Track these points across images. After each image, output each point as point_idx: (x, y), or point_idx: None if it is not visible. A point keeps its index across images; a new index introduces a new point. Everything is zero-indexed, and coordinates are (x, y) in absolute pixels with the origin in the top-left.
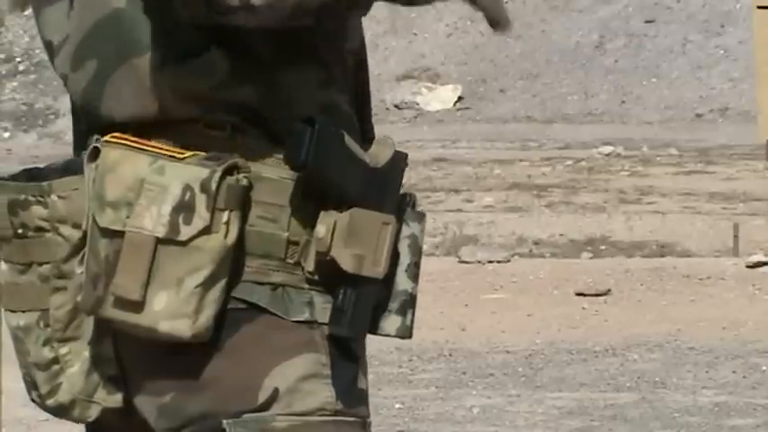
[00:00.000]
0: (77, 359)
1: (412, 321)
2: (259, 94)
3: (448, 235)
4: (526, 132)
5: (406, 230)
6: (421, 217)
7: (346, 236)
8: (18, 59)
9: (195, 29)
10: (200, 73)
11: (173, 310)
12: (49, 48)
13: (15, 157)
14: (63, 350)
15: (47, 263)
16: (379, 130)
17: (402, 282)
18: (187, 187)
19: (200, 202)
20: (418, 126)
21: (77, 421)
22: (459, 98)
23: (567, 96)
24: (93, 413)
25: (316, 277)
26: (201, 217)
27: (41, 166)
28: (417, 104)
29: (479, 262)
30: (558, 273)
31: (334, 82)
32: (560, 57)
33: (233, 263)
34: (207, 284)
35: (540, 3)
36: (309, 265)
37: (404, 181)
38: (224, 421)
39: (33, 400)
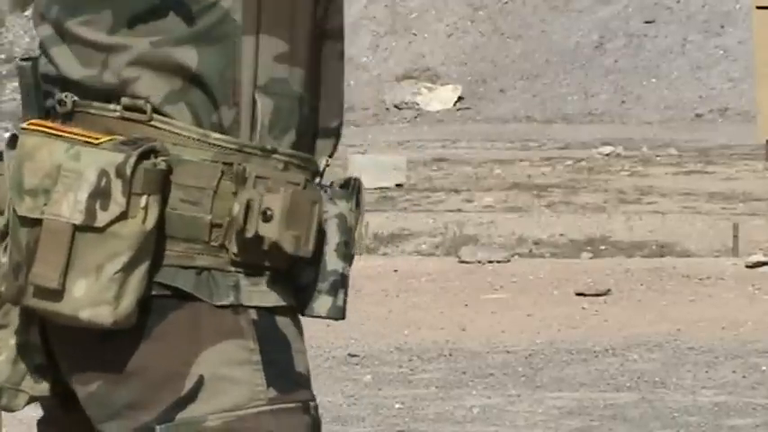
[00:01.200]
0: (5, 348)
1: (344, 302)
2: (210, 55)
3: (448, 235)
4: (526, 132)
5: (333, 209)
6: (349, 196)
7: (288, 216)
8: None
9: None
10: (159, 30)
11: (93, 296)
12: None
13: None
14: None
15: None
16: (379, 130)
17: (332, 261)
18: (103, 173)
19: (116, 187)
20: (418, 126)
21: (6, 410)
22: (460, 98)
23: (567, 96)
24: (21, 402)
25: (240, 259)
26: (118, 202)
27: None
28: (417, 104)
29: (479, 262)
30: (558, 273)
31: (292, 59)
32: (560, 57)
33: (156, 247)
34: (127, 270)
35: (540, 3)
36: (233, 246)
37: (404, 180)
38: (156, 427)
39: None
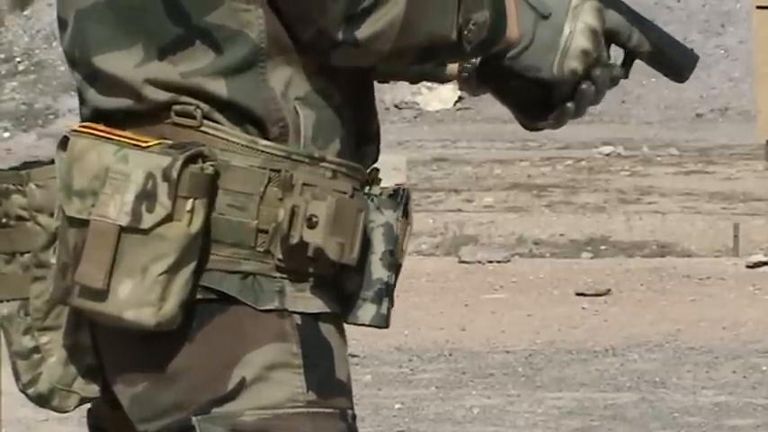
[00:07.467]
0: (56, 349)
1: (388, 310)
2: (240, 84)
3: (448, 235)
4: (526, 132)
5: (380, 218)
6: (396, 205)
7: (332, 223)
8: (18, 59)
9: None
10: (188, 60)
11: (137, 298)
12: None
13: (15, 157)
14: (43, 339)
15: (27, 252)
16: None
17: (377, 270)
18: (149, 175)
19: (162, 190)
20: (418, 126)
21: (57, 411)
22: (459, 98)
23: None
24: (72, 403)
25: (285, 265)
26: (163, 205)
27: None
28: (417, 104)
29: (479, 262)
30: (558, 273)
31: (329, 71)
32: None
33: (201, 251)
34: (171, 272)
35: None
36: (279, 252)
37: (404, 181)
38: (192, 418)
39: (21, 390)
